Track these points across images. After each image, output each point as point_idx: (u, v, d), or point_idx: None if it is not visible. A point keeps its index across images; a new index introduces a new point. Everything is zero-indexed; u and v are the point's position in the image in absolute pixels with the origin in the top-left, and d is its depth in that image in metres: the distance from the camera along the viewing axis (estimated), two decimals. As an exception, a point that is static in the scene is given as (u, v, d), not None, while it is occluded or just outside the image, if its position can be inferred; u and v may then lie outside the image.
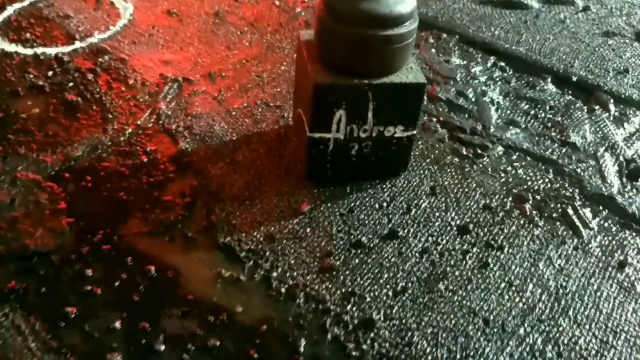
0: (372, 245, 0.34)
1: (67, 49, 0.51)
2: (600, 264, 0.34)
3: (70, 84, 0.47)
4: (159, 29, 0.54)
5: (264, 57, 0.50)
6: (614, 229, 0.36)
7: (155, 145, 0.41)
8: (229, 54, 0.51)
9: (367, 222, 0.35)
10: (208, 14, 0.57)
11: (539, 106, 0.45)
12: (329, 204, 0.36)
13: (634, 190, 0.39)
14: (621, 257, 0.34)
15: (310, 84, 0.34)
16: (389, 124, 0.36)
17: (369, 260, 0.34)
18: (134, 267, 0.33)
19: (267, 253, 0.34)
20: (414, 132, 0.37)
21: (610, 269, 0.34)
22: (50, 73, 0.48)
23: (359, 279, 0.33)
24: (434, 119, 0.43)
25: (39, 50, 0.51)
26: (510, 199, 0.37)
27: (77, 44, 0.52)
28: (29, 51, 0.51)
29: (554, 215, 0.37)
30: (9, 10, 0.58)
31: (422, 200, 0.37)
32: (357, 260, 0.34)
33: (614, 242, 0.35)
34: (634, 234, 0.36)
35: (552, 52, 0.51)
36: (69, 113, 0.44)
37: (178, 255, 0.34)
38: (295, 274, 0.33)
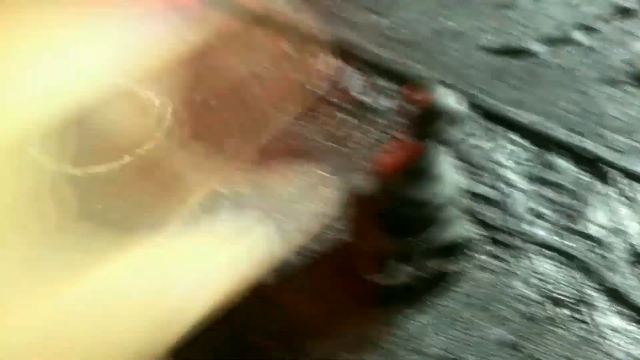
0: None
1: (116, 163, 0.54)
2: None
3: (134, 210, 0.50)
4: (200, 127, 0.56)
5: (295, 152, 0.53)
6: None
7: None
8: (266, 152, 0.54)
9: (435, 347, 0.41)
10: (238, 99, 0.59)
11: (559, 191, 0.50)
12: (398, 332, 0.42)
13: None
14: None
15: (377, 252, 0.39)
16: (444, 262, 0.41)
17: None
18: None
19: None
20: (466, 261, 0.42)
21: None
22: (109, 199, 0.51)
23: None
24: (468, 218, 0.48)
25: (90, 168, 0.54)
26: (545, 303, 0.43)
27: (125, 158, 0.54)
28: (79, 171, 0.54)
29: (583, 319, 0.43)
30: (44, 115, 0.59)
31: (476, 317, 0.43)
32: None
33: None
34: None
35: (563, 115, 0.55)
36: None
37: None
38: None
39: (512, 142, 0.53)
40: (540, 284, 0.44)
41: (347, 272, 0.44)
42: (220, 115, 0.57)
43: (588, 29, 0.63)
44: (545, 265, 0.45)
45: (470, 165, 0.51)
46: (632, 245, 0.47)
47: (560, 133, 0.54)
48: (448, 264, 0.41)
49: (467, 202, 0.48)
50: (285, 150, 0.53)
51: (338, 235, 0.46)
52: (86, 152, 0.53)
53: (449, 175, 0.37)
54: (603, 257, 0.46)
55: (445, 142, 0.38)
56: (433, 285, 0.42)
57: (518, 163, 0.51)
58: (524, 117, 0.54)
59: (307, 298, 0.43)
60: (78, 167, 0.52)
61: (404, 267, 0.39)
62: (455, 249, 0.40)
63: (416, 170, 0.37)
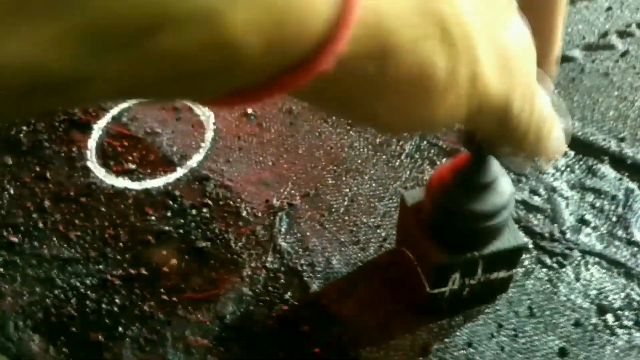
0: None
1: (171, 177, 0.56)
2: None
3: (192, 224, 0.52)
4: (244, 139, 0.58)
5: (343, 162, 0.55)
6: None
7: (288, 288, 0.47)
8: (315, 163, 0.55)
9: (486, 355, 0.43)
10: (282, 110, 0.60)
11: (602, 197, 0.51)
12: (448, 339, 0.44)
13: (690, 275, 0.46)
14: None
15: (430, 263, 0.41)
16: (494, 271, 0.42)
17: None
18: None
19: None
20: (516, 269, 0.43)
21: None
22: (169, 213, 0.53)
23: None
24: (517, 225, 0.49)
25: (147, 183, 0.56)
26: (592, 310, 0.45)
27: (179, 171, 0.56)
28: (137, 185, 0.56)
29: (630, 325, 0.44)
30: (96, 131, 0.61)
31: (524, 324, 0.44)
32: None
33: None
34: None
35: (602, 121, 0.56)
36: (203, 261, 0.50)
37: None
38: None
39: (553, 149, 0.54)
40: (587, 291, 0.45)
41: (401, 283, 0.46)
42: (262, 126, 0.58)
43: (623, 34, 0.63)
44: (592, 272, 0.46)
45: (510, 171, 0.52)
46: (675, 250, 0.48)
47: (600, 139, 0.54)
48: (500, 273, 0.42)
49: (514, 210, 0.49)
50: (333, 160, 0.54)
51: (391, 246, 0.48)
52: (142, 165, 0.55)
53: (503, 185, 0.39)
54: (648, 263, 0.47)
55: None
56: (484, 293, 0.44)
57: (560, 170, 0.52)
58: (564, 123, 0.55)
59: (362, 308, 0.45)
60: (135, 181, 0.54)
61: (458, 277, 0.41)
62: (508, 258, 0.41)
63: (469, 181, 0.38)
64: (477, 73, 0.14)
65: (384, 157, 0.55)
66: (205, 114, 0.59)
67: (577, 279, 0.46)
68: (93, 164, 0.55)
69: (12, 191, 0.54)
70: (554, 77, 0.25)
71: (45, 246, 0.50)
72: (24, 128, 0.59)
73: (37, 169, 0.55)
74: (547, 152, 0.21)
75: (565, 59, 0.61)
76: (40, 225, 0.51)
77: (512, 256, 0.41)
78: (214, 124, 0.58)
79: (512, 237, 0.41)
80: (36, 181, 0.54)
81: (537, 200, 0.50)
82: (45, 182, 0.54)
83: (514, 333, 0.44)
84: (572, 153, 0.53)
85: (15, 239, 0.50)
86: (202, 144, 0.57)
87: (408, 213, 0.42)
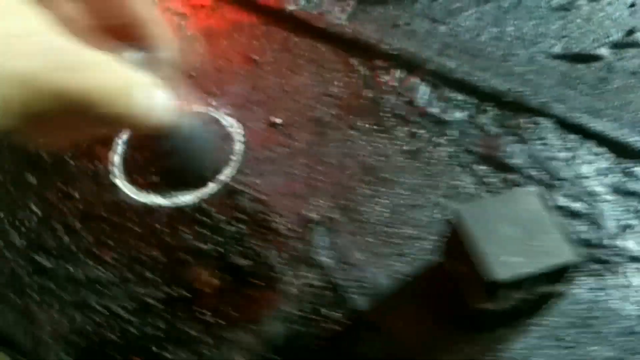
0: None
1: (203, 192, 0.54)
2: None
3: (229, 242, 0.50)
4: (274, 150, 0.56)
5: (377, 171, 0.53)
6: None
7: (334, 306, 0.46)
8: (348, 173, 0.54)
9: (539, 367, 0.42)
10: (310, 119, 0.58)
11: (642, 200, 0.50)
12: (502, 354, 0.43)
13: None
14: None
15: (481, 279, 0.39)
16: (545, 285, 0.41)
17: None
18: None
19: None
20: (567, 282, 0.42)
21: None
22: (204, 230, 0.51)
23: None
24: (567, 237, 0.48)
25: (179, 199, 0.54)
26: (643, 315, 0.44)
27: (211, 186, 0.54)
28: (168, 201, 0.54)
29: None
30: (120, 145, 0.59)
31: (577, 335, 0.43)
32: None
33: None
34: None
35: (636, 121, 0.55)
36: (244, 280, 0.48)
37: None
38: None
39: (590, 151, 0.53)
40: (638, 298, 0.44)
41: (448, 297, 0.44)
42: (294, 136, 0.56)
43: (650, 29, 0.62)
44: (640, 279, 0.46)
45: (551, 177, 0.51)
46: None
47: (636, 140, 0.53)
48: (550, 286, 0.41)
49: (558, 218, 0.48)
50: (366, 169, 0.53)
51: (436, 259, 0.47)
52: (171, 181, 0.53)
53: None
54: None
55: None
56: (537, 307, 0.43)
57: (599, 173, 0.51)
58: (598, 124, 0.54)
59: (410, 324, 0.44)
60: (166, 198, 0.52)
61: (512, 293, 0.40)
62: (561, 272, 0.40)
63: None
64: None
65: (418, 165, 0.53)
66: (233, 125, 0.57)
67: (628, 287, 0.45)
68: (120, 180, 0.54)
69: (39, 212, 0.52)
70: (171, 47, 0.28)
71: (80, 269, 0.48)
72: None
73: (63, 187, 0.53)
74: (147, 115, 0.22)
75: (593, 58, 0.60)
76: (73, 247, 0.49)
77: (565, 270, 0.40)
78: (242, 135, 0.57)
79: (566, 251, 0.40)
80: (63, 201, 0.53)
81: (578, 206, 0.49)
82: (73, 202, 0.52)
83: (568, 345, 0.43)
84: (609, 156, 0.52)
85: (48, 263, 0.49)
86: (232, 157, 0.55)
87: (459, 228, 0.41)
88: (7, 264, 0.49)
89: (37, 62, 0.18)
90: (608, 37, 0.62)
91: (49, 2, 0.24)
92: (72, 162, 0.55)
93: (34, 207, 0.52)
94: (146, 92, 0.22)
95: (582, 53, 0.61)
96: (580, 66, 0.60)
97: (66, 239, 0.50)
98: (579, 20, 0.64)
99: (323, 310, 0.45)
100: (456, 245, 0.43)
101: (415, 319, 0.45)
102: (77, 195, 0.53)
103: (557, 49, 0.61)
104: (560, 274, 0.40)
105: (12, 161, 0.55)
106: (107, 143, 0.57)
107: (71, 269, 0.48)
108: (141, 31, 0.25)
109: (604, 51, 0.61)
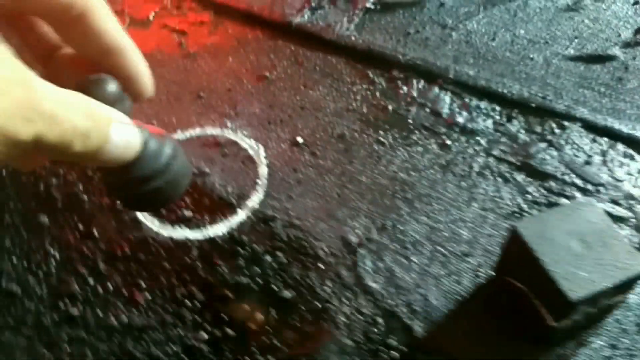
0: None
1: (234, 221, 0.51)
2: None
3: (270, 272, 0.48)
4: (301, 171, 0.54)
5: (412, 187, 0.52)
6: None
7: (390, 333, 0.44)
8: (382, 190, 0.52)
9: (607, 379, 0.42)
10: (333, 136, 0.56)
11: (679, 200, 0.50)
12: (567, 366, 0.42)
13: None
14: None
15: (557, 298, 0.38)
16: (615, 296, 0.41)
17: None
18: None
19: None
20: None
21: None
22: (241, 262, 0.48)
23: None
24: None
25: (209, 230, 0.51)
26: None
27: (240, 214, 0.51)
28: (198, 234, 0.51)
29: None
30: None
31: (635, 340, 0.43)
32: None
33: None
34: None
35: (657, 119, 0.55)
36: (291, 312, 0.45)
37: None
38: None
39: (620, 152, 0.53)
40: (692, 301, 0.44)
41: (509, 314, 0.43)
42: (319, 155, 0.54)
43: (658, 27, 0.63)
44: (690, 280, 0.45)
45: (587, 182, 0.51)
46: None
47: (662, 139, 0.54)
48: (618, 297, 0.40)
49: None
50: (400, 185, 0.51)
51: (486, 275, 0.45)
52: (198, 211, 0.50)
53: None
54: None
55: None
56: (598, 318, 0.42)
57: (631, 174, 0.51)
58: (624, 125, 0.54)
59: (471, 344, 0.43)
60: (195, 230, 0.49)
61: (585, 308, 0.39)
62: (632, 282, 0.39)
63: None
64: None
65: (452, 177, 0.52)
66: (253, 147, 0.55)
67: (680, 290, 0.45)
68: (142, 214, 0.50)
69: (58, 255, 0.48)
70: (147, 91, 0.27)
71: (111, 315, 0.45)
72: (54, 181, 0.53)
73: (80, 226, 0.50)
74: (117, 154, 0.23)
75: (607, 58, 0.60)
76: (100, 291, 0.46)
77: (635, 281, 0.40)
78: (265, 157, 0.54)
79: (635, 262, 0.39)
80: (83, 240, 0.49)
81: (619, 211, 0.49)
82: (94, 241, 0.49)
83: (628, 352, 0.42)
84: (636, 154, 0.52)
85: (75, 311, 0.45)
86: (258, 181, 0.52)
87: (520, 244, 0.40)
88: (31, 314, 0.45)
89: (8, 116, 0.18)
90: (618, 35, 0.62)
91: (22, 27, 0.24)
92: (84, 196, 0.52)
93: (51, 250, 0.48)
94: (118, 129, 0.23)
95: (596, 54, 0.61)
96: (595, 67, 0.60)
97: (91, 282, 0.46)
98: (586, 21, 0.64)
99: (377, 338, 0.43)
100: (518, 262, 0.42)
101: (476, 339, 0.43)
102: (96, 233, 0.49)
103: (571, 50, 0.61)
104: (630, 285, 0.40)
105: (20, 201, 0.51)
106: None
107: (101, 314, 0.45)
108: (116, 60, 0.25)
109: (616, 51, 0.61)
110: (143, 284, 0.46)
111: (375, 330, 0.44)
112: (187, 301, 0.45)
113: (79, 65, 0.25)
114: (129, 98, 0.26)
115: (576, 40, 0.62)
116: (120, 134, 0.23)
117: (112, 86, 0.24)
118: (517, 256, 0.42)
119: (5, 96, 0.17)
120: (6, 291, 0.46)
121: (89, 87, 0.24)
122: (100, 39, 0.23)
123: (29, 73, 0.19)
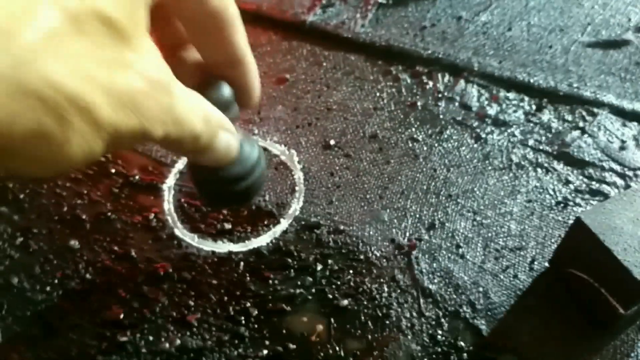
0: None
1: (277, 231, 0.49)
2: None
3: (323, 281, 0.46)
4: (337, 174, 0.52)
5: (453, 183, 0.51)
6: None
7: (456, 334, 0.43)
8: (424, 188, 0.51)
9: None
10: (365, 136, 0.55)
11: None
12: (632, 353, 0.42)
13: None
14: None
15: (627, 286, 0.38)
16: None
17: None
18: None
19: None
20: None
21: None
22: (291, 273, 0.46)
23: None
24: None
25: (252, 242, 0.48)
26: None
27: (283, 222, 0.49)
28: (241, 246, 0.48)
29: None
30: (167, 191, 0.52)
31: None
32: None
33: None
34: None
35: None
36: (352, 321, 0.44)
37: None
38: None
39: (650, 137, 0.53)
40: None
41: (573, 306, 0.43)
42: (354, 157, 0.53)
43: (667, 9, 0.64)
44: None
45: (626, 167, 0.51)
46: None
47: (687, 121, 0.54)
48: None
49: None
50: (441, 182, 0.50)
51: (541, 267, 0.45)
52: (238, 222, 0.48)
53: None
54: None
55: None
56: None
57: (664, 160, 0.52)
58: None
59: (540, 339, 0.42)
60: (238, 243, 0.47)
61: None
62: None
63: None
64: (95, 117, 0.16)
65: (492, 170, 0.51)
66: (285, 152, 0.53)
67: None
68: (179, 230, 0.48)
69: (96, 280, 0.45)
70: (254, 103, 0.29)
71: (163, 339, 0.42)
72: (78, 201, 0.50)
73: (115, 247, 0.47)
74: (217, 157, 0.24)
75: (623, 43, 0.61)
76: (148, 314, 0.43)
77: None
78: (298, 162, 0.52)
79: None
80: (120, 262, 0.46)
81: (660, 194, 0.49)
82: (132, 262, 0.46)
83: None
84: (670, 142, 0.53)
85: (124, 338, 0.42)
86: (296, 187, 0.51)
87: (584, 235, 0.40)
88: (74, 345, 0.42)
89: (148, 117, 0.19)
90: (629, 20, 0.63)
91: (161, 18, 0.24)
92: (114, 215, 0.49)
93: (86, 275, 0.45)
94: (224, 135, 0.24)
95: (611, 39, 0.61)
96: (612, 52, 0.60)
97: (136, 305, 0.44)
98: (596, 7, 0.65)
99: (447, 342, 0.42)
100: (581, 252, 0.42)
101: (542, 333, 0.43)
102: (134, 253, 0.46)
103: (586, 37, 0.62)
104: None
105: (45, 225, 0.48)
106: (151, 190, 0.50)
107: (153, 339, 0.42)
108: (238, 71, 0.26)
109: (630, 36, 0.62)
110: (192, 303, 0.44)
111: (442, 333, 0.43)
112: (241, 318, 0.43)
113: (199, 67, 0.25)
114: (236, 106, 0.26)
115: (590, 27, 0.62)
116: (224, 139, 0.23)
117: (227, 93, 0.25)
118: (580, 246, 0.41)
119: (152, 100, 0.18)
120: (43, 322, 0.43)
121: (207, 90, 0.24)
122: (231, 50, 0.23)
123: (170, 75, 0.19)
